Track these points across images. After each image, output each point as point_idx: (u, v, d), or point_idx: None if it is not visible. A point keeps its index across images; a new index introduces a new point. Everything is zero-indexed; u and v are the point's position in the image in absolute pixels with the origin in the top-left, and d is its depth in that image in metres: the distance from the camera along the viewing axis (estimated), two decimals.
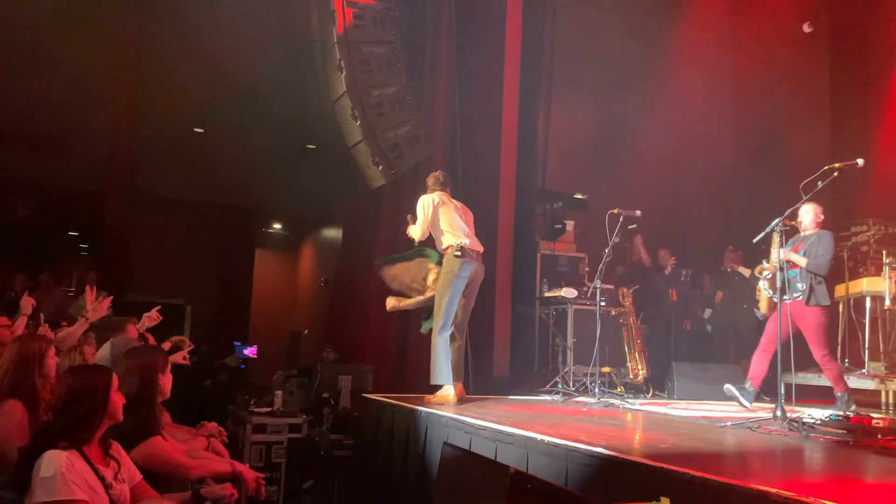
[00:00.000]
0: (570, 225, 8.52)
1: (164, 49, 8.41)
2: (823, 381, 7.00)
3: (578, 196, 9.35)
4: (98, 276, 8.29)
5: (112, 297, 4.31)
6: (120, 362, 3.21)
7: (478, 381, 7.39)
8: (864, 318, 6.98)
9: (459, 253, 5.45)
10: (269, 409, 6.31)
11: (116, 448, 2.64)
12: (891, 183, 8.34)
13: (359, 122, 6.87)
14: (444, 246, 5.60)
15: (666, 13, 9.12)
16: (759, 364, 5.70)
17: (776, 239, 5.43)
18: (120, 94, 9.23)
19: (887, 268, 6.70)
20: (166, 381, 3.22)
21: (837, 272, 7.63)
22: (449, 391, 5.62)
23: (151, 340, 4.60)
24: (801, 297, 5.46)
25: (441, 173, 5.91)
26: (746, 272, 8.29)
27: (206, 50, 8.28)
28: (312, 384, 6.99)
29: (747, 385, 5.67)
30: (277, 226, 14.27)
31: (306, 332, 11.15)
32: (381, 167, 7.07)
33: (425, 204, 5.59)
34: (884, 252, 6.95)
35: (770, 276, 5.75)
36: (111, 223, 9.91)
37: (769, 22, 8.66)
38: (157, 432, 3.01)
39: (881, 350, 6.98)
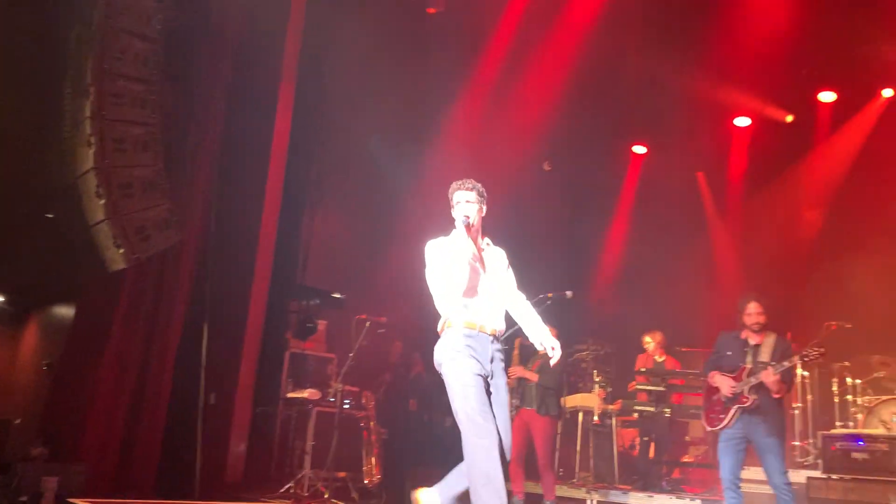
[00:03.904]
0: (322, 324, 8.58)
1: None
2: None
3: (336, 295, 9.48)
4: None
5: None
6: None
7: (208, 484, 7.00)
8: (577, 431, 7.72)
9: None
10: None
11: None
12: (604, 309, 9.50)
13: (103, 201, 6.48)
14: None
15: (425, 133, 9.87)
16: (516, 475, 6.12)
17: (515, 354, 6.05)
18: None
19: (597, 385, 7.53)
20: None
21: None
22: None
23: None
24: (534, 407, 6.00)
25: None
26: None
27: None
28: (10, 486, 6.16)
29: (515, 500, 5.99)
30: None
31: (18, 421, 9.85)
32: (122, 250, 6.67)
33: None
34: (595, 371, 7.83)
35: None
36: None
37: (514, 157, 9.69)
38: None
39: (590, 461, 7.72)
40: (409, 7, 9.38)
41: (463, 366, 3.78)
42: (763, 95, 9.92)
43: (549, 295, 5.36)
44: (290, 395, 7.65)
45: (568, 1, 9.00)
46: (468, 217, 4.01)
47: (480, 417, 3.63)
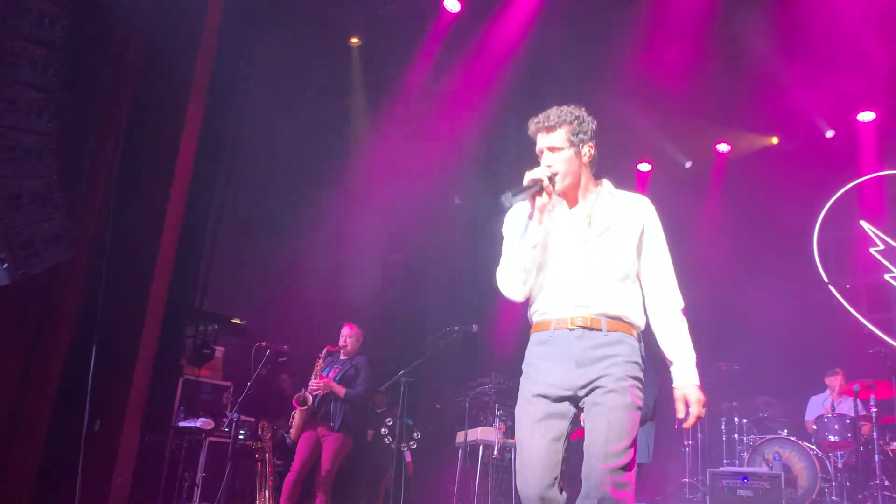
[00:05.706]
0: (219, 351, 8.29)
1: None
2: None
3: (237, 321, 9.21)
4: None
5: None
6: None
7: None
8: (477, 464, 7.72)
9: None
10: None
11: None
12: (508, 343, 9.62)
13: None
14: None
15: (341, 160, 9.82)
16: (293, 494, 6.12)
17: (317, 366, 6.05)
18: None
19: (498, 419, 7.56)
20: None
21: (459, 418, 8.43)
22: None
23: None
24: (329, 420, 6.05)
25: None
26: None
27: None
28: None
29: None
30: None
31: None
32: (6, 264, 6.25)
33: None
34: (497, 404, 7.87)
35: (305, 404, 6.34)
36: None
37: (427, 188, 9.77)
38: None
39: (489, 495, 7.71)
40: (331, 36, 9.38)
41: (522, 389, 2.84)
42: (666, 141, 10.43)
43: (456, 328, 5.36)
44: (182, 424, 7.33)
45: (486, 34, 9.18)
46: (534, 185, 2.65)
47: (519, 453, 2.77)
